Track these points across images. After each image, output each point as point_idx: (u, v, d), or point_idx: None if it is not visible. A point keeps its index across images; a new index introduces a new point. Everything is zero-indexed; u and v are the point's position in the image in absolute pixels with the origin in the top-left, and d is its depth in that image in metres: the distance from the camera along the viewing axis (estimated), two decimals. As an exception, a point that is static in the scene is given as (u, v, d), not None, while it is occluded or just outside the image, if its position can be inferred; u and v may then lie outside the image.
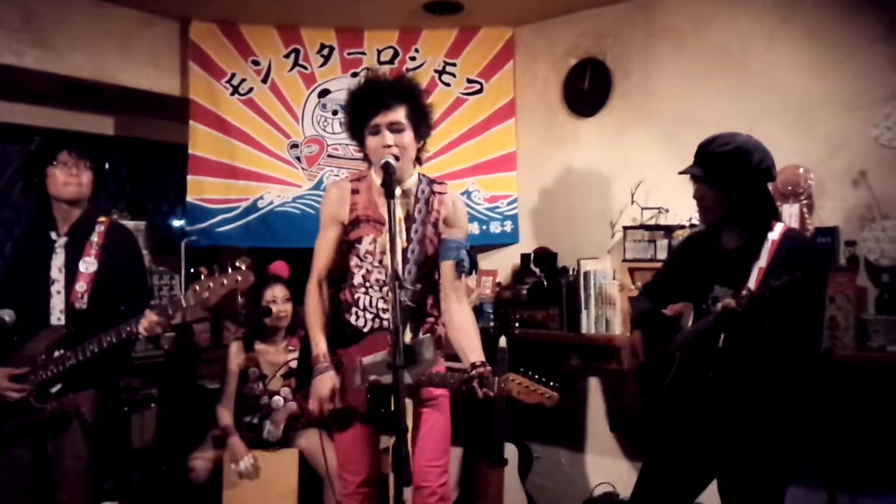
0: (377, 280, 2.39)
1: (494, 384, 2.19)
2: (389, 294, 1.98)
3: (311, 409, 2.33)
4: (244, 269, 2.53)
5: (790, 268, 2.17)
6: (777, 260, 2.29)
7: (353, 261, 2.44)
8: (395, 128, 2.27)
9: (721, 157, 2.31)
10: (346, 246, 2.46)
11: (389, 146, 2.26)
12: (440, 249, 2.39)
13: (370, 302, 2.41)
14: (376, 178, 2.35)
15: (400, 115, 2.28)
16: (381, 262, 2.37)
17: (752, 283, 2.27)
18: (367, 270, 2.40)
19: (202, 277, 2.53)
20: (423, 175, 2.44)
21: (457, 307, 2.39)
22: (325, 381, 2.31)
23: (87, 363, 2.61)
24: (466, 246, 2.39)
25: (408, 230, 2.34)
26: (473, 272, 2.42)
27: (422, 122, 2.36)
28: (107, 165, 2.97)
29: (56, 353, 2.63)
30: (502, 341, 3.51)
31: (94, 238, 2.78)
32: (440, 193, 2.42)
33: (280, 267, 3.77)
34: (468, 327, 2.38)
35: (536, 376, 2.22)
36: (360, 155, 2.46)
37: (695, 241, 2.62)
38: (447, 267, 2.38)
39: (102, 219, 2.86)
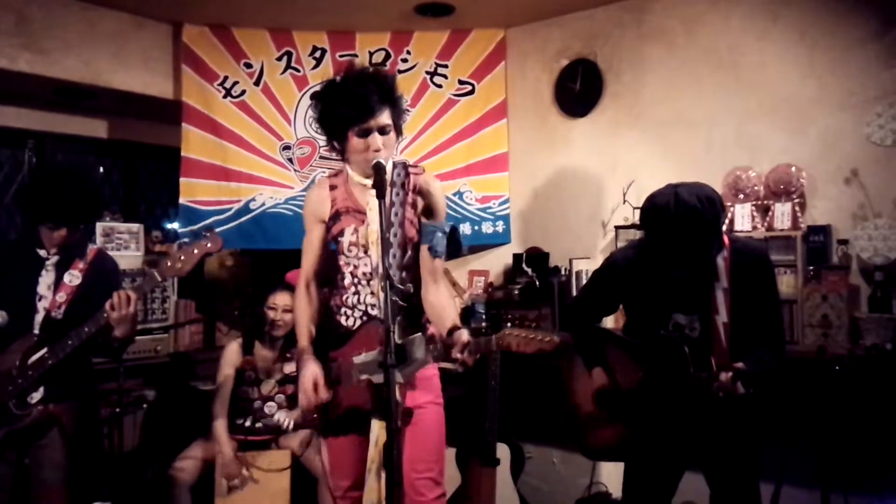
0: (364, 274, 2.38)
1: (492, 342, 2.15)
2: (378, 287, 1.93)
3: (301, 404, 2.32)
4: (211, 235, 2.59)
5: (753, 288, 2.38)
6: (737, 279, 2.38)
7: (341, 259, 2.43)
8: (383, 131, 2.29)
9: (701, 208, 2.27)
10: (332, 243, 2.46)
11: (379, 150, 2.28)
12: (420, 233, 2.39)
13: (359, 300, 2.40)
14: (352, 172, 2.38)
15: (386, 117, 2.30)
16: (366, 251, 2.36)
17: (720, 306, 2.36)
18: (354, 266, 2.39)
19: (172, 251, 2.56)
20: (398, 161, 2.46)
21: (432, 287, 2.38)
22: (308, 375, 2.30)
23: (66, 373, 2.62)
24: (445, 227, 2.35)
25: (388, 215, 2.34)
26: (459, 253, 2.37)
27: (401, 119, 2.40)
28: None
29: (31, 359, 2.62)
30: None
31: (84, 258, 2.81)
32: (415, 174, 2.43)
33: (296, 276, 3.71)
34: (442, 303, 2.36)
35: (532, 326, 2.21)
36: None
37: (635, 267, 2.54)
38: (423, 251, 2.38)
39: (92, 246, 2.90)
